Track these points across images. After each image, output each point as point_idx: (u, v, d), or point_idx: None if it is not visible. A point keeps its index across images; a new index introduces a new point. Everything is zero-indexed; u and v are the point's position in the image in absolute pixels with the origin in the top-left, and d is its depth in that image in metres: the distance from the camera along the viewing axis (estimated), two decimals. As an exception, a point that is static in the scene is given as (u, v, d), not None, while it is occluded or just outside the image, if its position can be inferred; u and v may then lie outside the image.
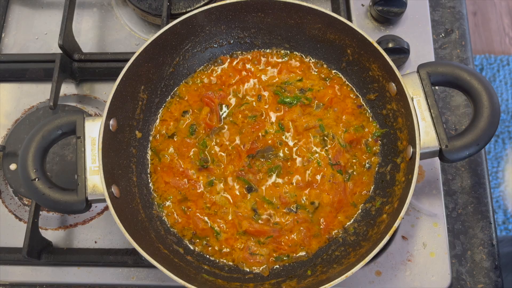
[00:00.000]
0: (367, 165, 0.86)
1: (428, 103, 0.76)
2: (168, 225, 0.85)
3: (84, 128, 0.78)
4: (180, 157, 0.88)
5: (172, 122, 0.91)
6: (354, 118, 0.89)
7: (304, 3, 0.84)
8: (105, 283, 0.86)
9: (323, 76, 0.92)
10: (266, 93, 0.91)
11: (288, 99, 0.90)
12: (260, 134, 0.88)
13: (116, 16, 1.06)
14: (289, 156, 0.87)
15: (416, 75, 0.78)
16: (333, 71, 0.92)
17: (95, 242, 0.88)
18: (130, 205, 0.80)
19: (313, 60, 0.93)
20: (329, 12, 0.84)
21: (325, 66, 0.93)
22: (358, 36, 0.82)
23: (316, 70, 0.93)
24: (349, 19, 1.00)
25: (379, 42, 0.90)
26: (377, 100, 0.87)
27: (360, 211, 0.84)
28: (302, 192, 0.85)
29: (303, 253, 0.82)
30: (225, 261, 0.82)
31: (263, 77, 0.93)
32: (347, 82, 0.91)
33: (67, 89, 0.99)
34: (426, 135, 0.75)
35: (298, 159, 0.87)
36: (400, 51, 0.91)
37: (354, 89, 0.91)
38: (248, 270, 0.81)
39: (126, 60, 0.81)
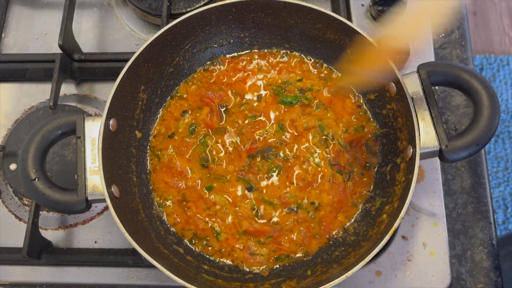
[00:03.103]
0: (367, 165, 0.86)
1: (428, 103, 0.76)
2: (168, 225, 0.85)
3: (84, 128, 0.78)
4: (180, 157, 0.88)
5: (172, 122, 0.91)
6: (354, 118, 0.89)
7: (304, 3, 0.84)
8: (105, 283, 0.86)
9: (323, 76, 0.92)
10: (266, 93, 0.91)
11: (288, 99, 0.90)
12: (260, 134, 0.88)
13: (116, 16, 1.06)
14: (289, 156, 0.87)
15: (416, 75, 0.78)
16: (333, 71, 0.92)
17: (95, 242, 0.88)
18: (130, 205, 0.80)
19: (313, 60, 0.93)
20: (329, 12, 0.84)
21: (325, 66, 0.93)
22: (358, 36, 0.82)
23: (316, 70, 0.93)
24: (349, 19, 1.00)
25: (379, 42, 0.90)
26: (377, 100, 0.87)
27: (360, 211, 0.84)
28: (302, 192, 0.85)
29: (303, 253, 0.82)
30: (225, 261, 0.82)
31: (263, 77, 0.93)
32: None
33: (67, 89, 0.99)
34: (426, 135, 0.75)
35: (298, 160, 0.87)
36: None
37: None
38: (248, 270, 0.81)
39: (126, 60, 0.81)
